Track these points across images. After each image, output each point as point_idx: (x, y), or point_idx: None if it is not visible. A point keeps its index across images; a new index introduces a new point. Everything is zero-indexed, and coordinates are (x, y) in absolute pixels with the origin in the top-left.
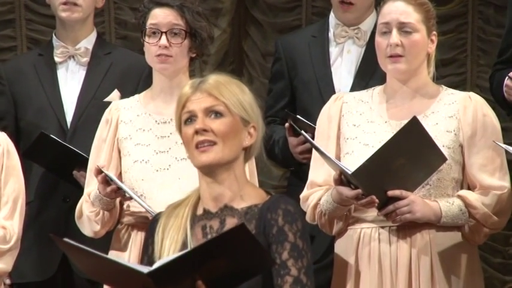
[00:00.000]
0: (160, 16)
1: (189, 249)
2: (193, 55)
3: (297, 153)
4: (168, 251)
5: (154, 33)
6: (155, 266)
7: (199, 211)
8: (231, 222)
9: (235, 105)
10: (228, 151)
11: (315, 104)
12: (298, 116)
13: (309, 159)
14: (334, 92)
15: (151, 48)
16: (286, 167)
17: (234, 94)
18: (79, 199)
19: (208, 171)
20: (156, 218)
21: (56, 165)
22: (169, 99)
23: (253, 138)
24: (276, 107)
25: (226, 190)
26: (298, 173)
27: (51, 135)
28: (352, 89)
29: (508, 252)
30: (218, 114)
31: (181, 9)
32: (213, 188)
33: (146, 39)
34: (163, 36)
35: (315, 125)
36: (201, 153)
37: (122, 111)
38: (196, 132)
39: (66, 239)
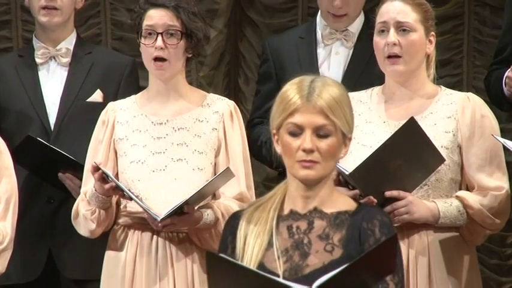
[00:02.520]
0: (156, 17)
1: (350, 263)
2: (190, 55)
3: None
4: (252, 248)
5: (150, 34)
6: (318, 283)
7: (285, 211)
8: (319, 225)
9: (343, 124)
10: (328, 168)
11: None
12: None
13: None
14: None
15: (148, 49)
16: (274, 168)
17: (343, 111)
18: (64, 200)
19: (306, 183)
20: (237, 215)
21: (40, 167)
22: (165, 100)
23: (347, 148)
24: (263, 108)
25: (317, 195)
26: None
27: (38, 138)
28: None
29: (504, 254)
30: (326, 132)
31: (176, 10)
32: (304, 191)
33: (142, 40)
34: (159, 38)
35: None
36: (303, 169)
37: (119, 112)
38: (303, 149)
39: (222, 255)
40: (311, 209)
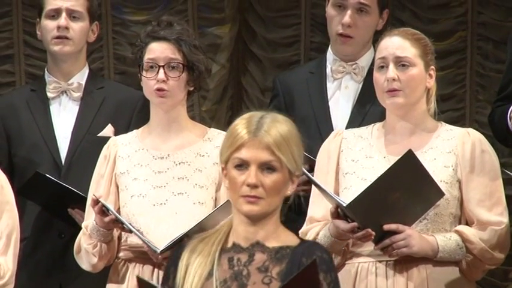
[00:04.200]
0: (157, 50)
1: None
2: (191, 88)
3: None
4: (192, 277)
5: (151, 67)
6: None
7: (229, 244)
8: (259, 258)
9: (289, 160)
10: (273, 204)
11: (312, 139)
12: None
13: (306, 191)
14: (331, 128)
15: (149, 82)
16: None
17: (290, 148)
18: (74, 235)
19: (250, 218)
20: (182, 244)
21: (50, 203)
22: (166, 135)
23: (295, 185)
24: None
25: (261, 229)
26: (295, 208)
27: (46, 175)
28: (349, 124)
29: None
30: (271, 168)
31: (178, 42)
32: (248, 225)
33: (144, 73)
34: (161, 70)
35: (313, 157)
36: (247, 204)
37: (120, 147)
38: (248, 184)
39: (150, 281)
40: (253, 243)
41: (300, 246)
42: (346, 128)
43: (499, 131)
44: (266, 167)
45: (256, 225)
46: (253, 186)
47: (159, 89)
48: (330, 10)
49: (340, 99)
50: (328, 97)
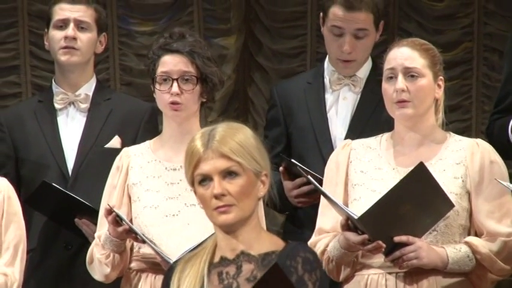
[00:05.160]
0: (170, 63)
1: None
2: (204, 100)
3: (292, 197)
4: None
5: (165, 80)
6: None
7: (216, 259)
8: (247, 268)
9: (249, 162)
10: (247, 208)
11: (310, 150)
12: (293, 161)
13: (304, 203)
14: (330, 139)
15: (163, 95)
16: (281, 212)
17: (247, 151)
18: (81, 246)
19: (228, 228)
20: (172, 266)
21: (57, 213)
22: (179, 146)
23: (266, 185)
24: (271, 153)
25: (243, 239)
26: (293, 220)
27: (54, 184)
28: (347, 136)
29: None
30: (233, 174)
31: (191, 55)
32: (229, 238)
33: (157, 86)
34: (175, 83)
35: (310, 170)
36: (220, 214)
37: (133, 158)
38: (215, 196)
39: None
40: (239, 253)
41: (284, 249)
42: (345, 139)
43: (498, 144)
44: (228, 174)
45: (236, 234)
46: (220, 196)
47: (173, 102)
48: (327, 33)
49: (339, 111)
50: (327, 108)
